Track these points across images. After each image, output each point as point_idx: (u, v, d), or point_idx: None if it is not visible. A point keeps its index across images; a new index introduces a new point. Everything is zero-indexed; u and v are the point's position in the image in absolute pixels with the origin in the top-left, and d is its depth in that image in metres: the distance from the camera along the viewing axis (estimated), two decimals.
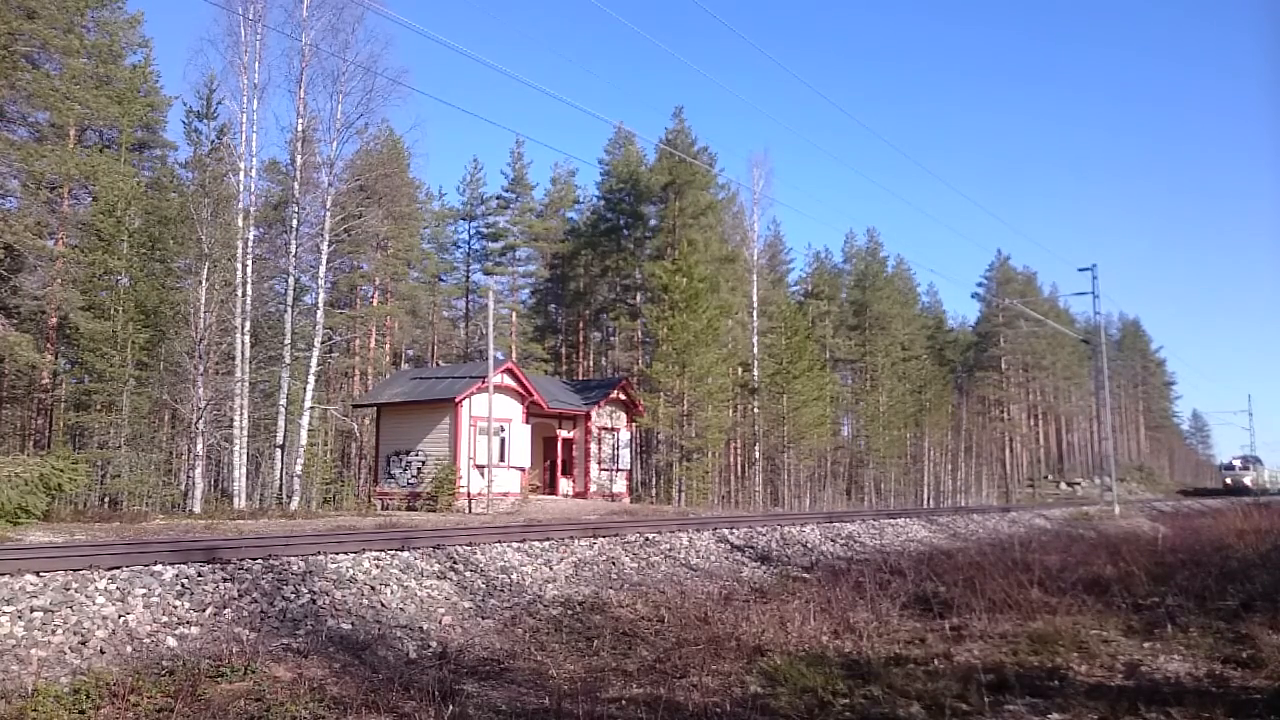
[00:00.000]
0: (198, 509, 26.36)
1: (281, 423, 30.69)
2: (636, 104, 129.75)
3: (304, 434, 29.93)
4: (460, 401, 28.62)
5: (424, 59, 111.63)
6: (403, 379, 35.31)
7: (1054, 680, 6.42)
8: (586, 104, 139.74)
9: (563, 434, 34.58)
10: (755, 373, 47.66)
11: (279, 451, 30.81)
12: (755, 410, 47.60)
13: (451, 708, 5.46)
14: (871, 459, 62.05)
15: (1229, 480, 68.98)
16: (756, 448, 47.63)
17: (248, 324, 29.64)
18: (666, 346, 39.38)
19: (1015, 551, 13.75)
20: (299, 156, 31.17)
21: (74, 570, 7.41)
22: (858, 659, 6.90)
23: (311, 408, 30.58)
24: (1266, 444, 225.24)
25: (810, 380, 48.76)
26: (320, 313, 30.76)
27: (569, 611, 9.04)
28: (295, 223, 31.12)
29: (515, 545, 11.33)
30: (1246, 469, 70.50)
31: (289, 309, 31.27)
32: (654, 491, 46.53)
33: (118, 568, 7.65)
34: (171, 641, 6.66)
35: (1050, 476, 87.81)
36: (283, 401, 30.80)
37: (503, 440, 29.19)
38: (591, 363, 60.69)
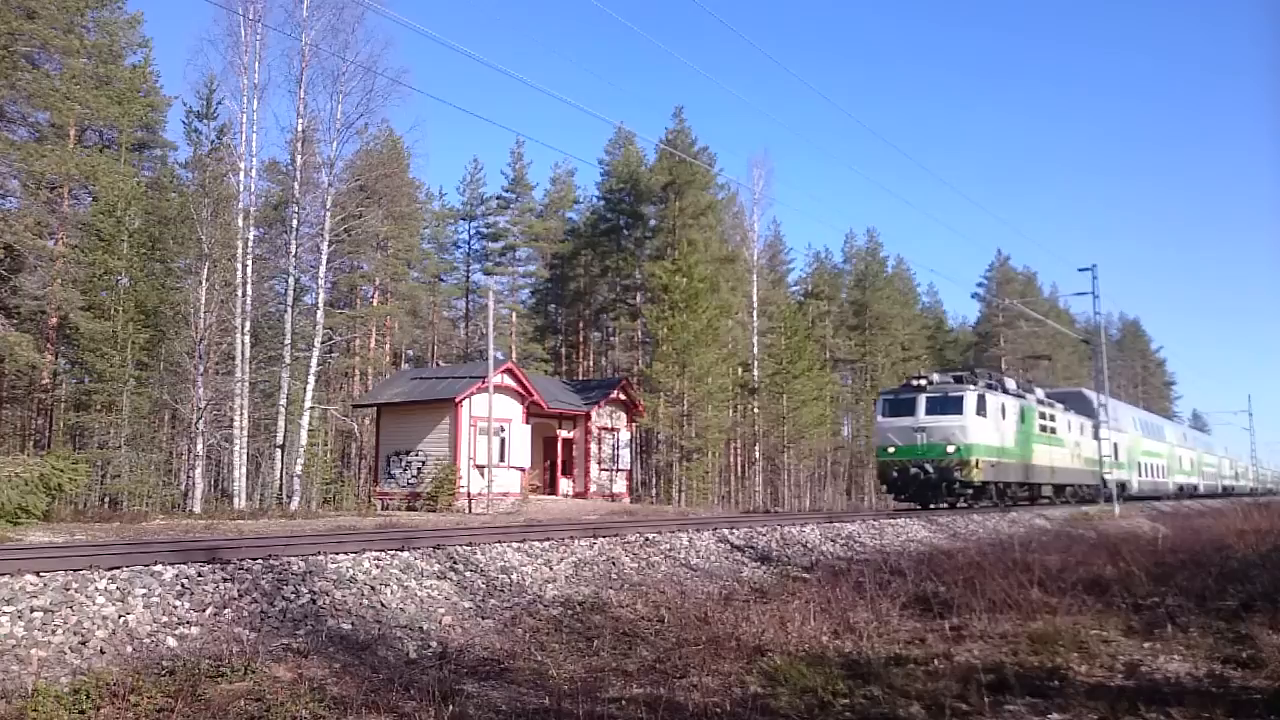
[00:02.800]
0: (198, 509, 26.38)
1: (281, 423, 30.70)
2: (636, 104, 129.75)
3: (304, 434, 29.94)
4: (460, 401, 28.62)
5: (424, 59, 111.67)
6: (403, 379, 35.32)
7: (1054, 680, 6.42)
8: (586, 104, 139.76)
9: (563, 434, 34.59)
10: (755, 373, 47.68)
11: (279, 451, 30.81)
12: (755, 410, 47.61)
13: (451, 708, 5.46)
14: (872, 459, 62.03)
15: (894, 449, 24.88)
16: (756, 448, 47.63)
17: (248, 324, 29.66)
18: (666, 346, 39.41)
19: (1015, 551, 13.74)
20: (299, 156, 31.19)
21: (74, 570, 7.40)
22: (858, 659, 6.90)
23: (311, 408, 30.58)
24: (1267, 444, 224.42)
25: (810, 380, 48.79)
26: (320, 313, 30.77)
27: (569, 611, 9.04)
28: (295, 223, 31.13)
29: (515, 545, 11.32)
30: (946, 410, 24.62)
31: (289, 309, 31.28)
32: (654, 491, 46.54)
33: (118, 568, 7.65)
34: (171, 641, 6.66)
35: None
36: (283, 401, 30.81)
37: (503, 440, 29.19)
38: (591, 363, 60.69)
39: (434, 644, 7.50)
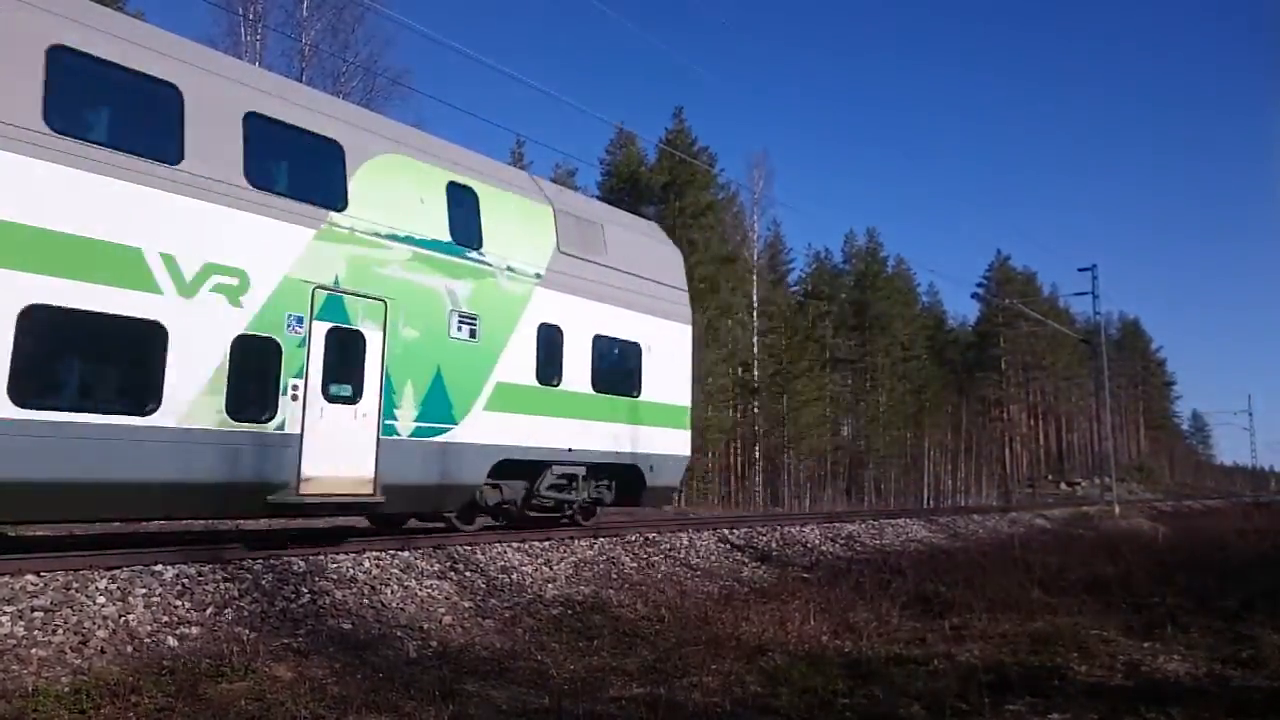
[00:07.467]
0: None
1: None
2: (636, 104, 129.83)
3: None
4: None
5: (424, 59, 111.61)
6: None
7: (1054, 680, 6.42)
8: (586, 104, 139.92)
9: None
10: (755, 373, 47.63)
11: None
12: (755, 410, 47.57)
13: (452, 707, 5.46)
14: (871, 459, 62.00)
15: None
16: (756, 448, 47.60)
17: None
18: None
19: (1015, 551, 13.75)
20: None
21: (74, 570, 7.41)
22: (858, 659, 6.91)
23: None
24: (1267, 444, 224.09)
25: (810, 380, 48.79)
26: None
27: (569, 611, 9.04)
28: None
29: (515, 545, 11.33)
30: None
31: None
32: None
33: (118, 567, 7.65)
34: (172, 641, 6.66)
35: (1050, 476, 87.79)
36: None
37: None
38: None
39: (434, 643, 7.51)
